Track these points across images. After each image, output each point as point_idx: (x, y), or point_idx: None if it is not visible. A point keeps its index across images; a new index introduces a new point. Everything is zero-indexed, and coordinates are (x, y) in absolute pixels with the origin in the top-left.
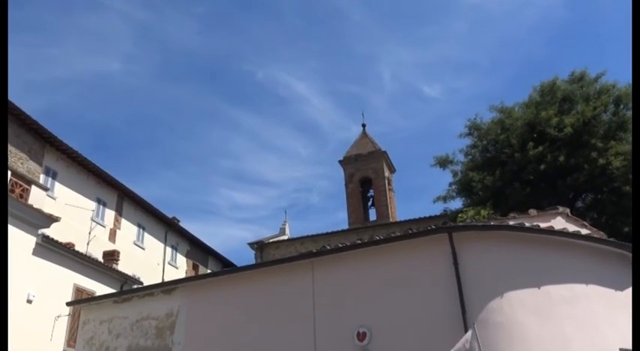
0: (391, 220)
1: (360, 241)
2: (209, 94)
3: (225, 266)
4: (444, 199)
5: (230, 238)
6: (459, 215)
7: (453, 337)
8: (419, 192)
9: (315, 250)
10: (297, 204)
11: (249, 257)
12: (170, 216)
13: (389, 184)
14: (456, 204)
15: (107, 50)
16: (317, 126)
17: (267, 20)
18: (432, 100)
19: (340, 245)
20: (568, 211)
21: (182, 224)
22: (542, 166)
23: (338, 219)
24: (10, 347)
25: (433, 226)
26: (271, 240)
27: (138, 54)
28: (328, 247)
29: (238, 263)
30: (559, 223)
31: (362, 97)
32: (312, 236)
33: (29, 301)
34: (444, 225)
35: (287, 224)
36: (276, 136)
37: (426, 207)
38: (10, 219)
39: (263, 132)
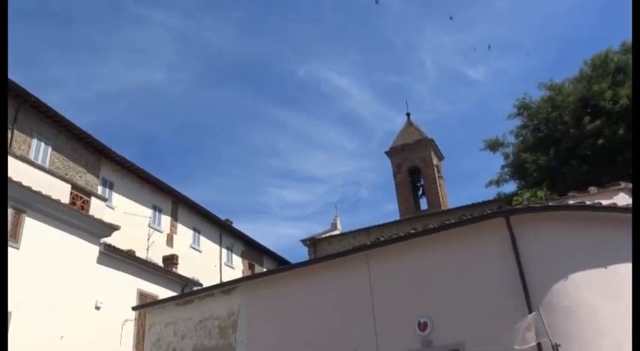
0: (443, 208)
1: (414, 231)
2: (251, 96)
3: (280, 264)
4: (497, 182)
5: (282, 236)
6: (514, 198)
7: (517, 323)
8: (469, 178)
9: (369, 243)
10: (346, 198)
11: (302, 254)
12: (223, 218)
13: (438, 171)
14: (510, 187)
15: (151, 62)
16: (361, 119)
17: (304, 18)
18: (477, 83)
19: (394, 236)
20: (630, 186)
21: (235, 225)
22: (600, 141)
23: (388, 210)
24: None
25: (489, 211)
26: (323, 235)
27: (180, 63)
28: (382, 239)
29: (292, 260)
30: (622, 199)
31: (404, 87)
32: (364, 229)
33: (97, 308)
34: (500, 209)
35: (338, 219)
36: (321, 133)
37: (479, 192)
38: (73, 230)
39: (307, 129)
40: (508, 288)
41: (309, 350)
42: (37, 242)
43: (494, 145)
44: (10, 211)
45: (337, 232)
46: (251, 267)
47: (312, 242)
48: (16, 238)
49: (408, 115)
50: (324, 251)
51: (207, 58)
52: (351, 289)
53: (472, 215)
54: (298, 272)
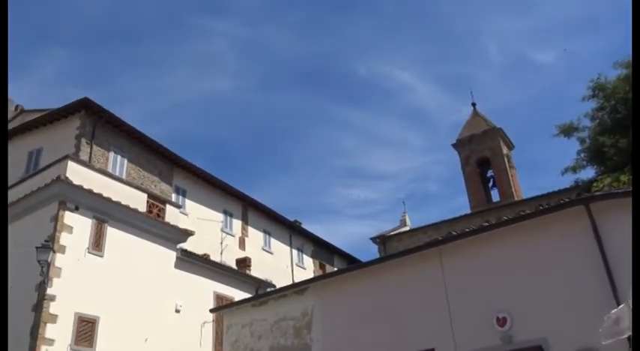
0: (516, 199)
1: (487, 224)
2: (315, 96)
3: (350, 263)
4: (574, 169)
5: (351, 235)
6: (594, 185)
7: (604, 316)
8: (542, 166)
9: (440, 238)
10: (414, 194)
11: (372, 252)
12: (292, 219)
13: (508, 161)
14: (588, 173)
15: (215, 71)
16: (425, 113)
17: (362, 16)
18: (547, 66)
19: (467, 230)
20: None
21: (304, 226)
22: None
23: (458, 204)
24: None
25: (567, 200)
26: (393, 233)
27: (243, 69)
28: (454, 233)
29: (362, 259)
30: None
31: (468, 76)
32: (434, 224)
33: (177, 311)
34: (579, 197)
35: (407, 215)
36: (386, 129)
37: (553, 181)
38: (151, 237)
39: (372, 127)
40: (592, 279)
41: (385, 348)
42: (118, 250)
43: (568, 130)
44: (93, 221)
45: (406, 228)
46: (322, 267)
47: (381, 240)
48: (100, 246)
49: (473, 105)
50: (393, 249)
51: (270, 63)
52: (424, 285)
53: (549, 205)
54: (370, 270)
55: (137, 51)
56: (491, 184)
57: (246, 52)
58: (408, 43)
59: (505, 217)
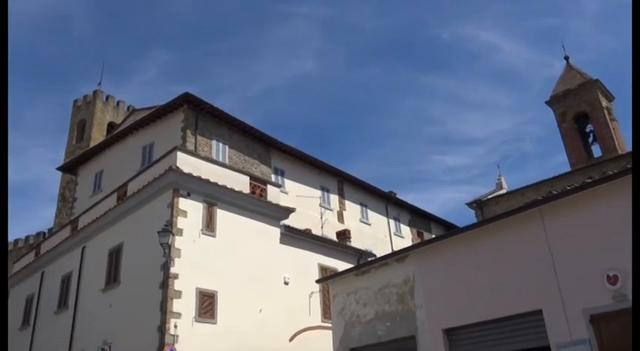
0: (620, 152)
1: (591, 180)
2: (400, 68)
3: (448, 229)
4: None
5: (447, 202)
6: None
7: None
8: None
9: (541, 197)
10: (509, 156)
11: (469, 217)
12: (386, 191)
13: (609, 114)
14: None
15: (300, 53)
16: (515, 71)
17: None
18: None
19: (568, 188)
20: None
21: (399, 196)
22: None
23: (557, 163)
24: (278, 323)
25: None
26: (489, 196)
27: (327, 48)
28: (555, 192)
29: (459, 225)
30: None
31: (559, 28)
32: (533, 185)
33: (286, 283)
34: None
35: (502, 178)
36: (475, 93)
37: None
38: (257, 216)
39: (460, 91)
40: None
41: (489, 311)
42: (228, 230)
43: None
44: (203, 205)
45: (503, 191)
46: (420, 234)
47: (478, 204)
48: (212, 227)
49: (566, 58)
50: (491, 212)
51: (352, 39)
52: (527, 246)
53: None
54: (469, 234)
55: (227, 44)
56: (591, 139)
57: (328, 31)
58: (490, 2)
59: (610, 172)
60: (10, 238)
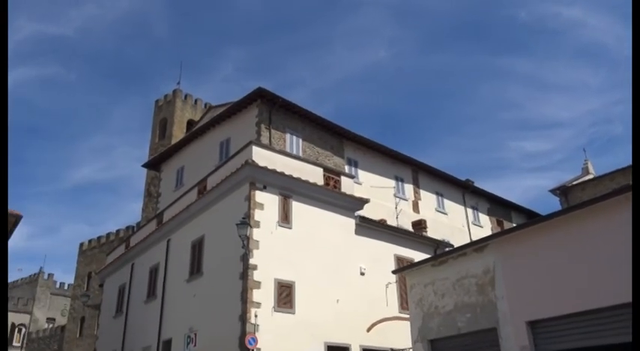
0: None
1: None
2: (476, 51)
3: (530, 217)
4: None
5: (528, 189)
6: None
7: None
8: None
9: (631, 183)
10: (596, 139)
11: (552, 205)
12: (463, 179)
13: None
14: None
15: (371, 42)
16: (602, 47)
17: None
18: None
19: None
20: None
21: (476, 185)
22: None
23: None
24: (355, 313)
25: None
26: (575, 182)
27: (399, 35)
28: None
29: (542, 213)
30: None
31: None
32: (623, 169)
33: (362, 274)
34: None
35: (589, 163)
36: (556, 73)
37: None
38: (331, 207)
39: (540, 72)
40: None
41: (577, 303)
42: (304, 221)
43: None
44: (279, 197)
45: (590, 176)
46: (499, 223)
47: (562, 191)
48: (288, 219)
49: None
50: (577, 199)
51: (424, 24)
52: (618, 234)
53: None
54: (554, 222)
55: (298, 38)
56: None
57: (399, 17)
58: None
59: None
60: (103, 231)
